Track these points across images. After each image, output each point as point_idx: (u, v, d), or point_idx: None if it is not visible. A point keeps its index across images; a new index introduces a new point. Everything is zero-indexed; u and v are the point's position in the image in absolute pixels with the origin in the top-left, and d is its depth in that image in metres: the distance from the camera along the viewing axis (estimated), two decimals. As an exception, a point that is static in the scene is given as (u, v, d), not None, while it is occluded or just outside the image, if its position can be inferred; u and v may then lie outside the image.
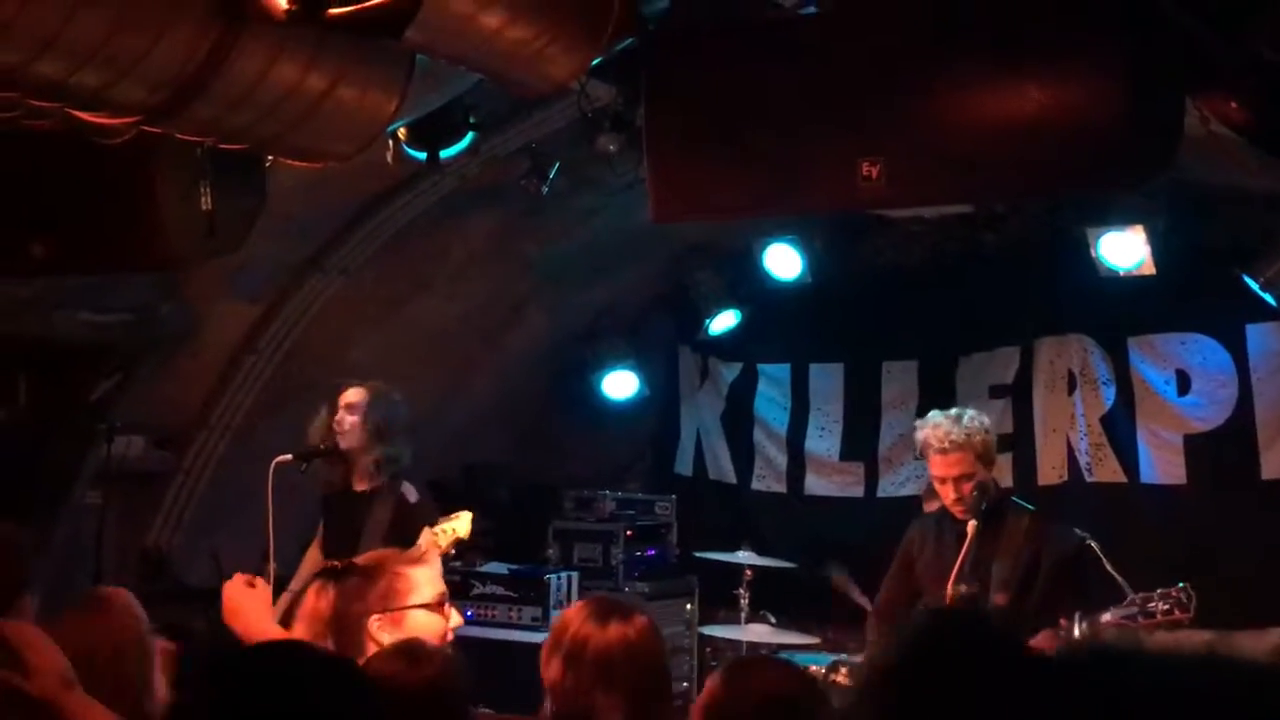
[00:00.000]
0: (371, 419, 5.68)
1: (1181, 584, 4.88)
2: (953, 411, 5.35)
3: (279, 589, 5.79)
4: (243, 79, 3.43)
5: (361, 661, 2.89)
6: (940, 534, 5.38)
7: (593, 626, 3.06)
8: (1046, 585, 5.11)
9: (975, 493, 5.17)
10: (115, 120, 3.49)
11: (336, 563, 3.47)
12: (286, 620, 5.75)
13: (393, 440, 5.73)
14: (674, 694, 3.16)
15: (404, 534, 5.27)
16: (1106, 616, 4.91)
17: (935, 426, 5.23)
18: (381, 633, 3.27)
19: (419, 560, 3.50)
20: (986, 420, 5.39)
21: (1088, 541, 5.28)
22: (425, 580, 3.43)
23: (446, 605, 3.44)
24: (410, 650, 2.85)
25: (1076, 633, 4.88)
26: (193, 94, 3.37)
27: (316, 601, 3.41)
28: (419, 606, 3.36)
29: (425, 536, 4.74)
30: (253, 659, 2.03)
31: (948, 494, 5.22)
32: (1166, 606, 4.83)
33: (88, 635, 3.14)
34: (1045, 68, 3.71)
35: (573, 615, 3.15)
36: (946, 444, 5.15)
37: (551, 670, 3.07)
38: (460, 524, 5.10)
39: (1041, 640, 4.79)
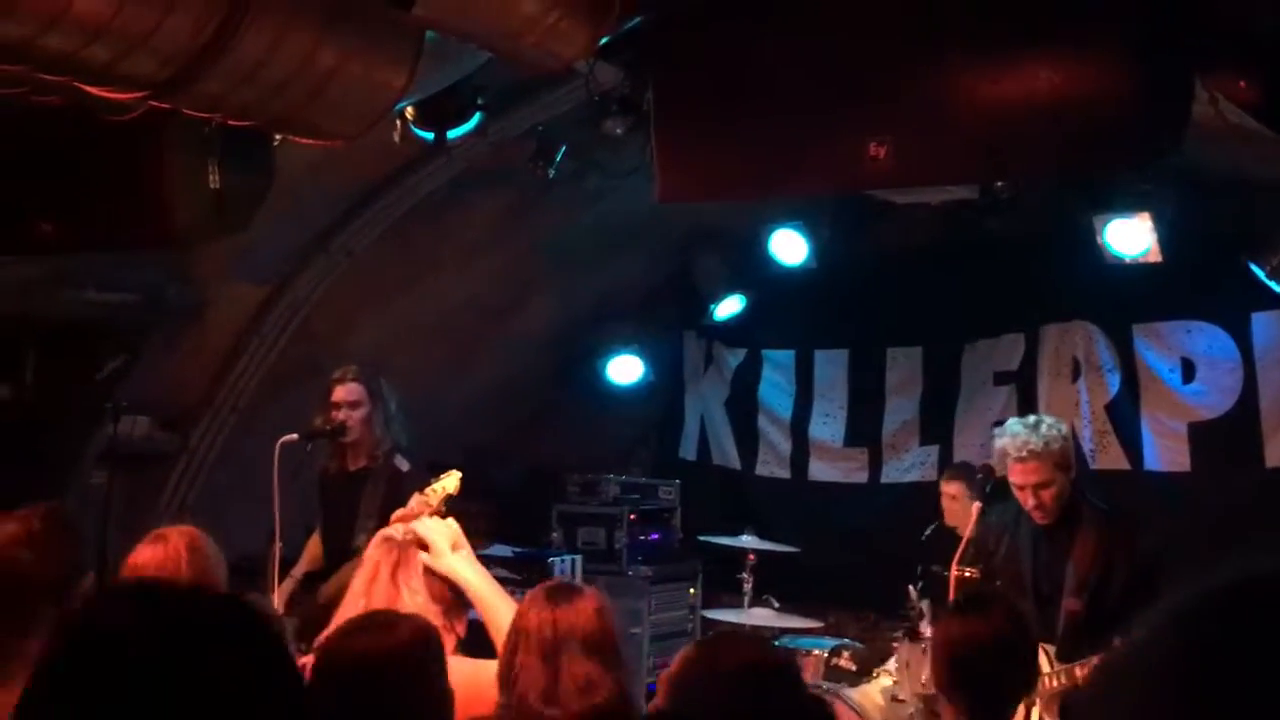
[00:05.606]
0: (377, 414, 5.88)
1: None
2: (1031, 419, 5.43)
3: (284, 570, 5.83)
4: (251, 54, 3.43)
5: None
6: (1016, 532, 5.41)
7: (529, 605, 3.23)
8: (1122, 594, 5.09)
9: (1055, 501, 5.23)
10: (123, 95, 3.49)
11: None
12: (289, 608, 5.80)
13: (397, 426, 5.95)
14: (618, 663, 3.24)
15: (397, 503, 5.47)
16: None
17: (1014, 436, 5.29)
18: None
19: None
20: (1065, 428, 5.44)
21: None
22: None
23: None
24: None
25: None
26: (201, 69, 3.37)
27: None
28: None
29: (415, 499, 4.89)
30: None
31: (1027, 500, 5.27)
32: None
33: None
34: (1055, 48, 3.71)
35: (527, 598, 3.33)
36: (1025, 453, 5.20)
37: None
38: (449, 481, 5.35)
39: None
